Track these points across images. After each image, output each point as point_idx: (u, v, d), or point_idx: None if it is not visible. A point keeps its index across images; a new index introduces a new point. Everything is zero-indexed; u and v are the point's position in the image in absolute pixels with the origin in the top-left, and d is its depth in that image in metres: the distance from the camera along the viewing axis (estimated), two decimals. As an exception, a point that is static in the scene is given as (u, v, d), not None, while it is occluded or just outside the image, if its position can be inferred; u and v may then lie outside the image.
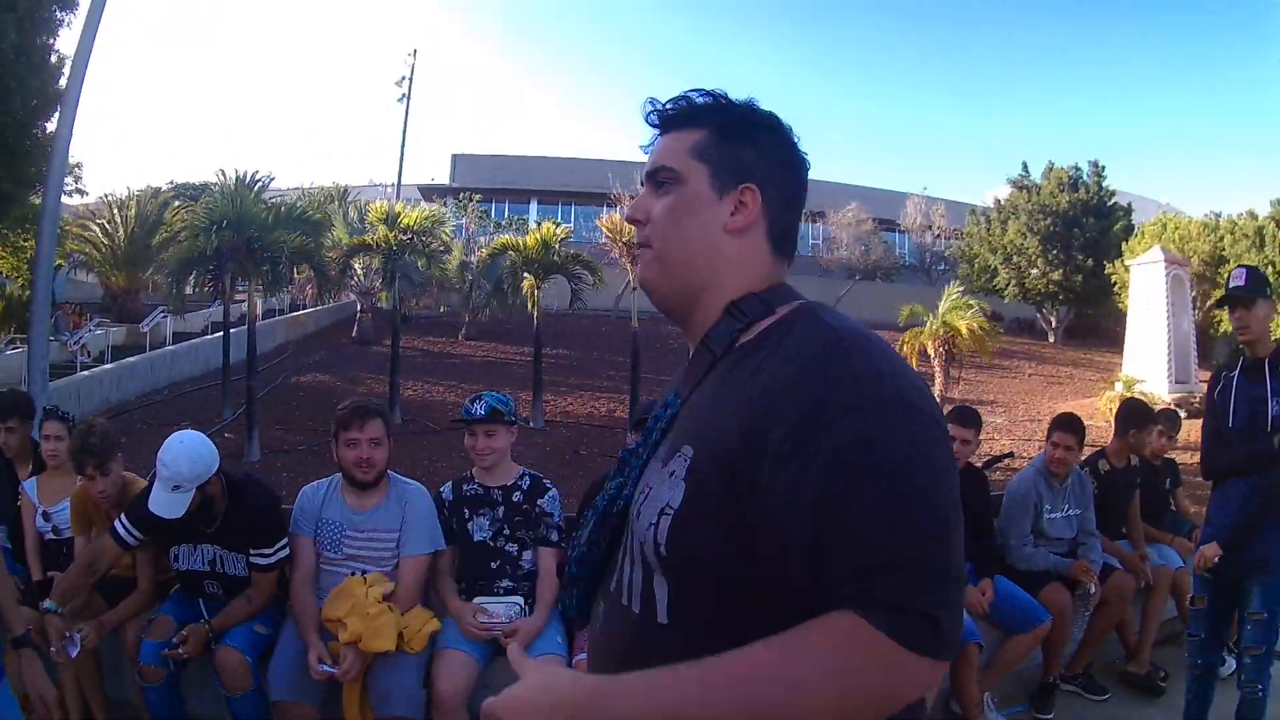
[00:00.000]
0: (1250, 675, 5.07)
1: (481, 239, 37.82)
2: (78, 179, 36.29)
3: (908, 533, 1.36)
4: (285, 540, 5.01)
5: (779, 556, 1.44)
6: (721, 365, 1.71)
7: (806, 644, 1.35)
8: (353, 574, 4.97)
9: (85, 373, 20.37)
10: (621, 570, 1.74)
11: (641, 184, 1.91)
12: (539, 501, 5.35)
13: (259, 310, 21.94)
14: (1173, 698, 6.28)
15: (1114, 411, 8.61)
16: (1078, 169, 45.36)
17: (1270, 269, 31.10)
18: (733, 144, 1.79)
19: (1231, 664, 5.87)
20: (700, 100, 1.83)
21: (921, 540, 1.37)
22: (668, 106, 1.84)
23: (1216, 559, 5.12)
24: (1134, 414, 7.23)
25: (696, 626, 1.56)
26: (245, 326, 19.31)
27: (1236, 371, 5.28)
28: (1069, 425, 6.48)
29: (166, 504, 4.59)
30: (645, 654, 1.53)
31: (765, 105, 1.84)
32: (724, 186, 1.77)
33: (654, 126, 1.88)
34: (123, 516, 4.82)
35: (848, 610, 1.34)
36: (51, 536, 5.73)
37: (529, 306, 22.73)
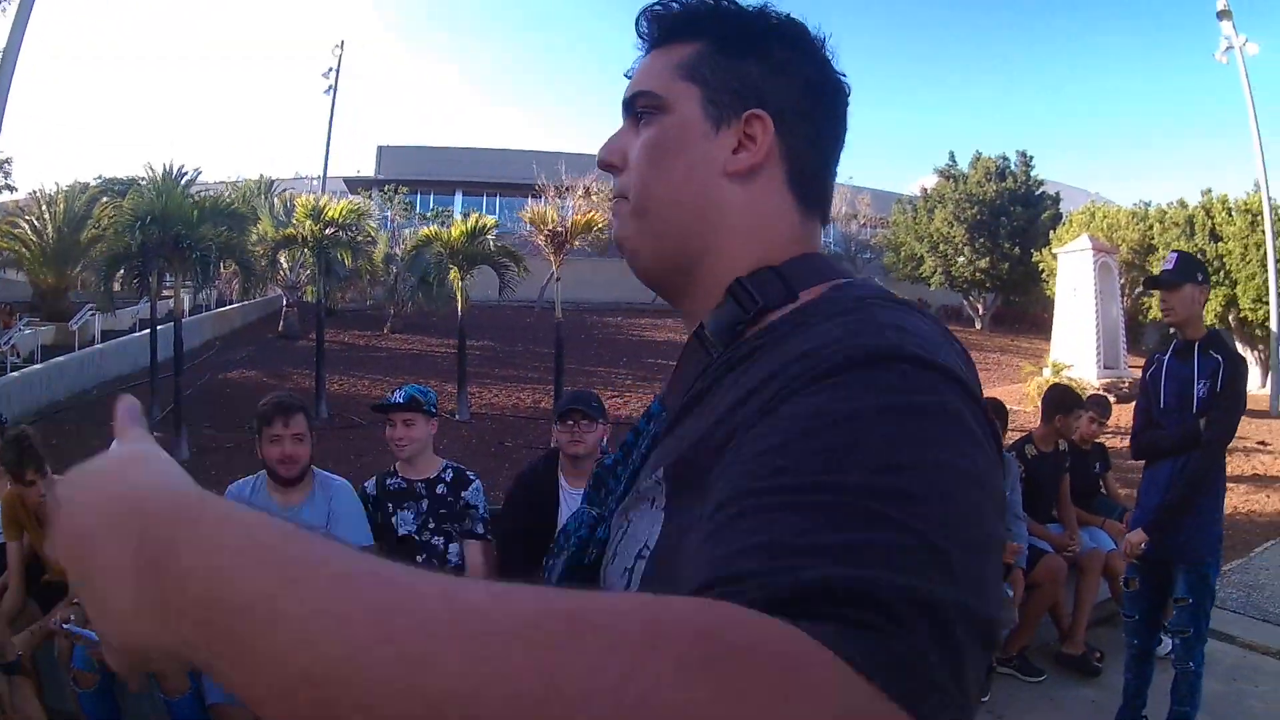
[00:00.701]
0: (1181, 655, 5.30)
1: (407, 231, 37.44)
2: (7, 175, 35.86)
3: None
4: None
5: None
6: (719, 368, 1.17)
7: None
8: None
9: (16, 374, 20.24)
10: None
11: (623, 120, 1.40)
12: (463, 494, 5.35)
13: (185, 306, 21.86)
14: (1108, 678, 6.49)
15: (1041, 397, 8.80)
16: (1005, 159, 45.90)
17: (1200, 257, 31.58)
18: (736, 59, 1.28)
19: (1168, 643, 6.02)
20: (697, 4, 1.31)
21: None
22: (650, 16, 1.35)
23: (1144, 545, 5.34)
24: (1060, 399, 7.44)
25: None
26: (172, 324, 19.17)
27: (1168, 354, 5.48)
28: (990, 408, 6.53)
29: None
30: None
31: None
32: (722, 114, 1.27)
33: (641, 41, 1.38)
34: None
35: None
36: (-20, 542, 5.64)
37: (454, 299, 22.70)
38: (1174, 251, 5.54)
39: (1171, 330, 5.59)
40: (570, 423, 5.34)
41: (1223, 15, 29.71)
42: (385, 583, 0.64)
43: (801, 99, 1.28)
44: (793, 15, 1.33)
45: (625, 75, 1.40)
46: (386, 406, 5.35)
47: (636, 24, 1.35)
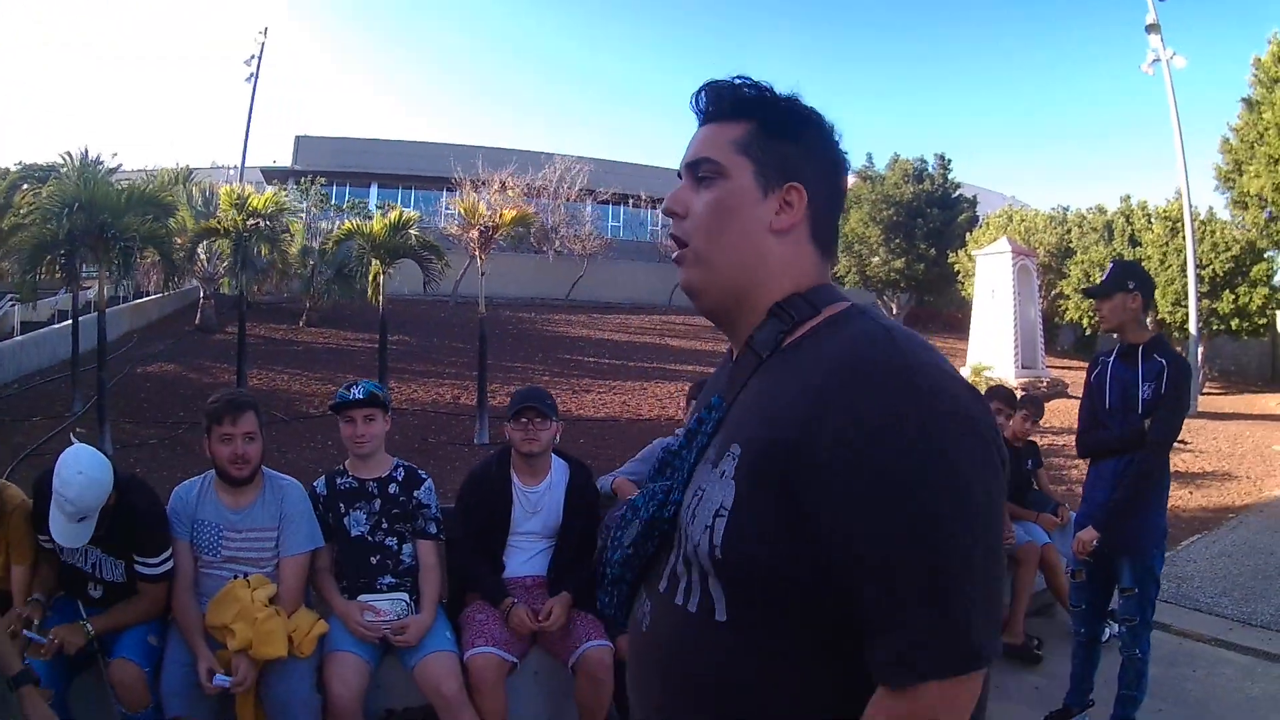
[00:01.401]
0: (1128, 643, 5.47)
1: (324, 223, 37.20)
2: (-76, 161, 35.21)
3: (950, 597, 1.45)
4: (170, 550, 4.79)
5: (824, 565, 1.52)
6: (766, 367, 1.73)
7: None
8: (235, 577, 4.87)
9: (-65, 367, 19.57)
10: (674, 571, 1.75)
11: (680, 175, 1.86)
12: (415, 493, 5.38)
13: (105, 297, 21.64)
14: (1049, 665, 6.75)
15: None
16: (924, 161, 46.28)
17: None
18: (779, 140, 1.77)
19: (1108, 632, 6.14)
20: (748, 92, 1.78)
21: (956, 596, 1.45)
22: (709, 95, 1.81)
23: (1094, 541, 5.47)
24: (1005, 400, 7.67)
25: (754, 625, 1.61)
26: (94, 314, 18.89)
27: (1112, 357, 5.66)
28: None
29: (72, 533, 4.44)
30: (701, 651, 1.67)
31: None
32: (769, 184, 1.75)
33: (697, 113, 1.85)
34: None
35: (891, 689, 1.47)
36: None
37: (371, 293, 22.52)
38: (1113, 261, 5.70)
39: (1105, 331, 5.73)
40: (524, 420, 5.43)
41: (1151, 29, 30.15)
42: None
43: (823, 174, 1.81)
44: (814, 107, 1.83)
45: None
46: (347, 403, 5.29)
47: (695, 97, 1.83)
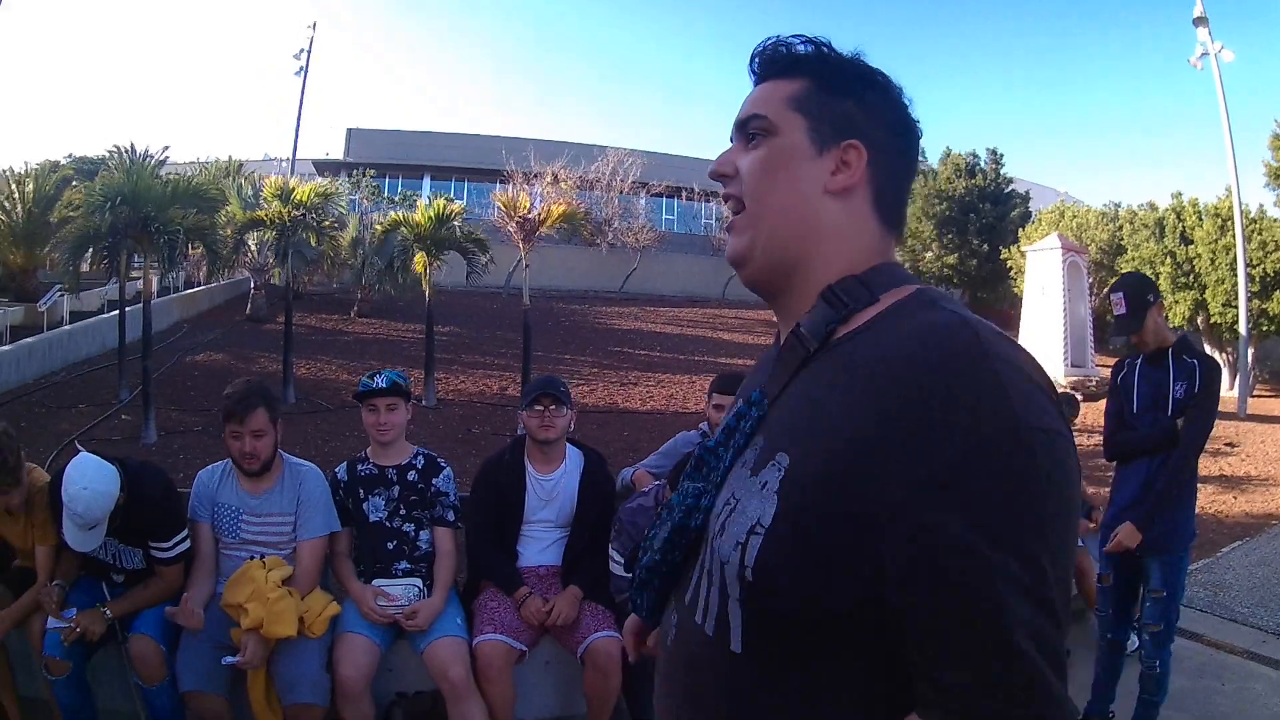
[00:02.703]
0: (1150, 652, 5.40)
1: (375, 215, 37.20)
2: (-26, 152, 35.51)
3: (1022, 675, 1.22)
4: (185, 533, 4.97)
5: (878, 605, 1.31)
6: (816, 362, 1.53)
7: None
8: (251, 559, 4.99)
9: (-15, 354, 19.96)
10: (698, 585, 1.59)
11: (731, 139, 1.73)
12: (434, 480, 5.46)
13: (154, 288, 21.70)
14: (1074, 672, 6.22)
15: None
16: (976, 155, 45.53)
17: (1169, 260, 31.57)
18: (836, 97, 1.62)
19: (1135, 641, 6.07)
20: (801, 48, 1.66)
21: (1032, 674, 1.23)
22: (763, 54, 1.69)
23: (1135, 539, 5.35)
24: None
25: (772, 659, 1.44)
26: (141, 305, 19.02)
27: (1139, 359, 5.58)
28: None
29: (85, 540, 4.60)
30: (714, 681, 1.52)
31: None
32: (824, 141, 1.60)
33: (751, 75, 1.72)
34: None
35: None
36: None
37: (421, 284, 22.61)
38: (1116, 288, 5.54)
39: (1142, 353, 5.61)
40: (540, 408, 5.45)
41: (1199, 22, 29.72)
42: None
43: (888, 136, 1.63)
44: (881, 68, 1.67)
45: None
46: (370, 392, 5.36)
47: (751, 60, 1.70)
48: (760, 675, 1.44)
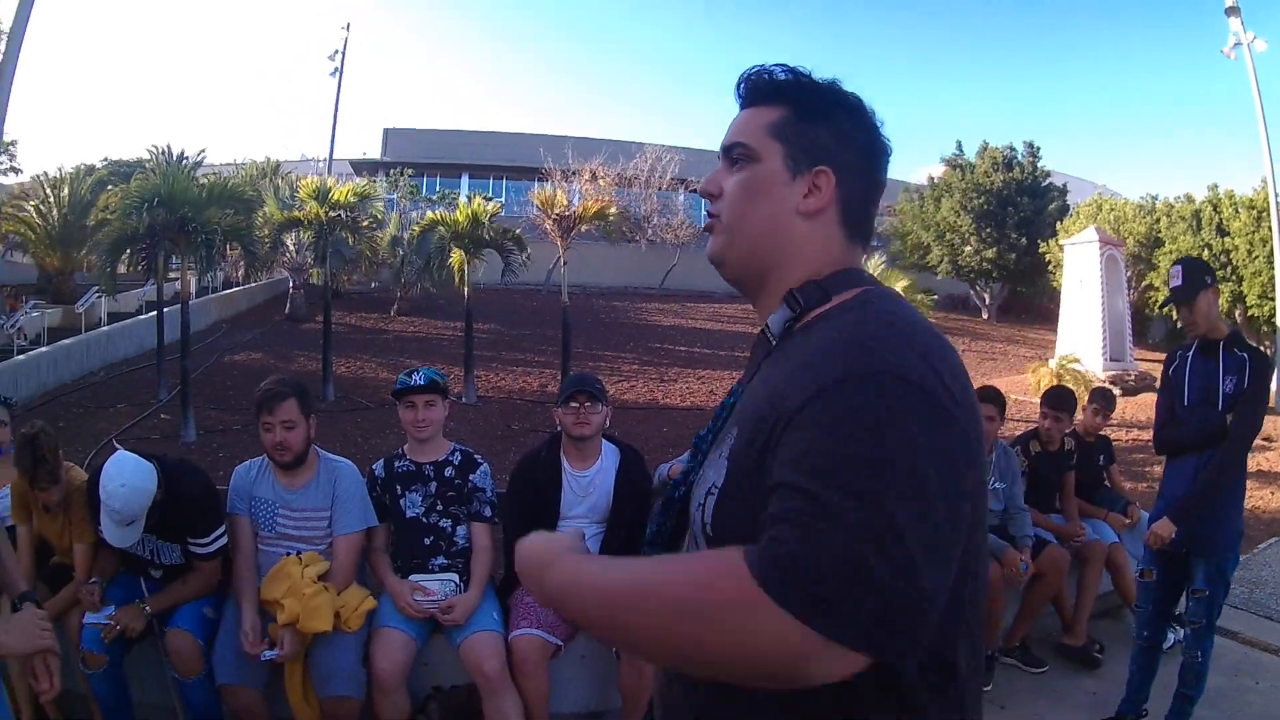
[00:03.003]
0: (1191, 644, 5.38)
1: (414, 214, 37.34)
2: (12, 157, 36.00)
3: (842, 499, 1.31)
4: (223, 528, 5.03)
5: None
6: (776, 353, 1.76)
7: (687, 570, 1.47)
8: (288, 554, 5.04)
9: (22, 356, 20.14)
10: (686, 549, 1.82)
11: (719, 158, 1.92)
12: (471, 477, 5.46)
13: (192, 289, 21.84)
14: (1109, 669, 6.53)
15: (1041, 386, 8.71)
16: (1013, 149, 45.31)
17: (1206, 252, 31.46)
18: (811, 124, 1.80)
19: (1172, 639, 6.02)
20: (782, 77, 1.83)
21: (864, 512, 1.30)
22: (748, 81, 1.87)
23: (1170, 534, 5.35)
24: (1051, 399, 7.48)
25: None
26: (179, 306, 19.09)
27: (1191, 351, 5.52)
28: (987, 396, 6.63)
29: (122, 536, 4.67)
30: None
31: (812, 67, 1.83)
32: (798, 167, 1.79)
33: (737, 98, 1.90)
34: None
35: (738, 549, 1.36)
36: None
37: (458, 282, 22.72)
38: (1177, 263, 5.53)
39: (1193, 336, 5.57)
40: (575, 405, 5.45)
41: (1231, 11, 29.49)
42: (600, 570, 1.59)
43: (857, 159, 1.82)
44: (856, 94, 1.85)
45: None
46: (408, 389, 5.39)
47: (737, 86, 1.88)
48: None
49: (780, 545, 1.32)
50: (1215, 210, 32.88)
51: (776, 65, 1.85)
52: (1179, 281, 5.40)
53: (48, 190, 31.04)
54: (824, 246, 1.81)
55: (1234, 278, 30.82)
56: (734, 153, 1.85)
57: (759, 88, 1.86)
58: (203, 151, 42.06)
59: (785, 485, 1.38)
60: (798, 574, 1.29)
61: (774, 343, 1.79)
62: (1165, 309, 5.53)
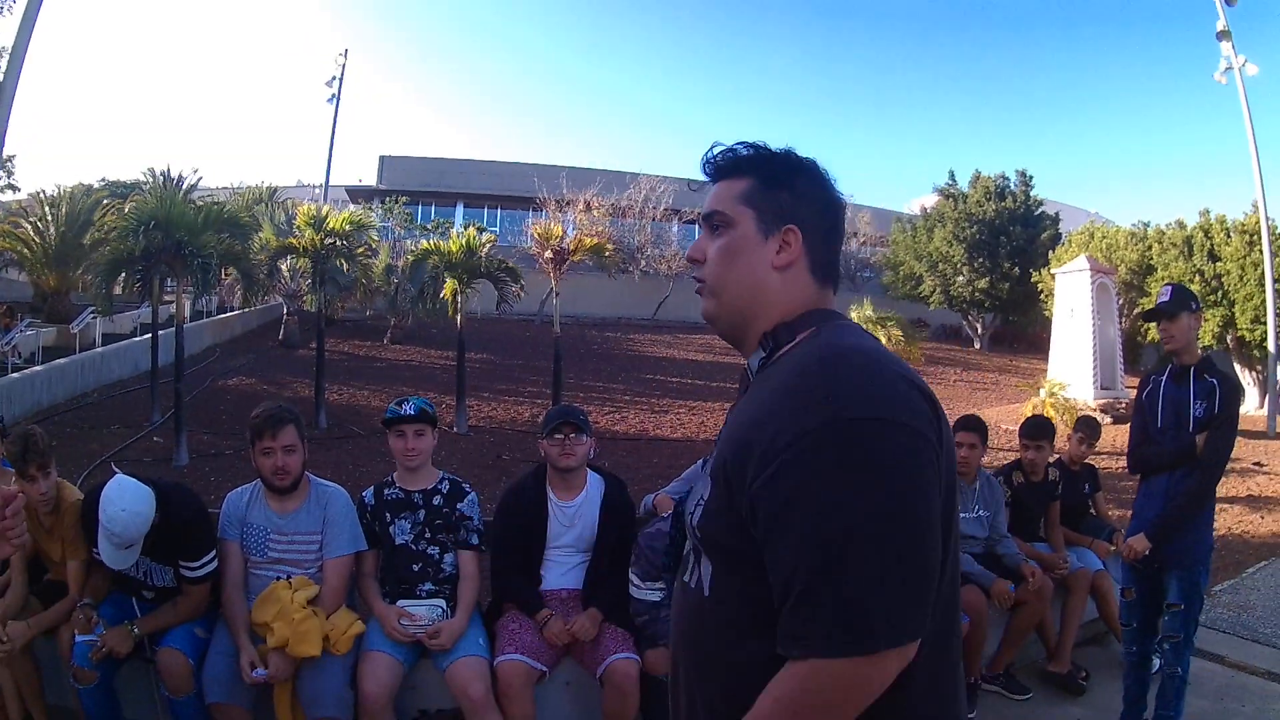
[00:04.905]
0: (1169, 659, 5.54)
1: (408, 242, 37.51)
2: (10, 174, 35.93)
3: (827, 577, 1.66)
4: (214, 553, 5.09)
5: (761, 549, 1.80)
6: (752, 386, 2.06)
7: (775, 702, 1.75)
8: (278, 578, 5.11)
9: (16, 374, 20.17)
10: (688, 557, 2.12)
11: (699, 227, 2.24)
12: (459, 505, 5.53)
13: (186, 312, 21.87)
14: (1093, 696, 6.60)
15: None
16: (1005, 178, 45.94)
17: (1198, 278, 31.51)
18: (775, 190, 2.08)
19: (1158, 663, 5.96)
20: (745, 152, 2.12)
21: (840, 578, 1.66)
22: (716, 159, 2.15)
23: (1145, 549, 5.56)
24: (1028, 429, 7.57)
25: (730, 600, 1.91)
26: (173, 329, 19.25)
27: (1164, 376, 5.76)
28: (968, 425, 6.77)
29: (120, 558, 4.75)
30: (695, 624, 2.02)
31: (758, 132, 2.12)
32: (769, 228, 2.06)
33: (707, 176, 2.18)
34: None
35: (789, 660, 1.72)
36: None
37: (451, 311, 22.79)
38: (1168, 284, 5.77)
39: (1168, 354, 5.78)
40: (560, 436, 5.52)
41: (1222, 36, 29.59)
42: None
43: (818, 214, 2.10)
44: (810, 157, 2.14)
45: (691, 187, 2.39)
46: (398, 419, 5.46)
47: (704, 164, 2.16)
48: (723, 616, 1.93)
49: (806, 623, 1.69)
50: (1207, 236, 32.80)
51: (739, 143, 2.14)
52: (1167, 298, 5.66)
53: (45, 208, 31.07)
54: (797, 293, 2.09)
55: (1226, 302, 30.83)
56: (713, 219, 2.14)
57: (725, 165, 2.15)
58: (198, 173, 42.25)
59: (790, 544, 1.72)
60: (856, 626, 1.66)
61: (751, 379, 2.10)
62: (1148, 322, 5.71)
